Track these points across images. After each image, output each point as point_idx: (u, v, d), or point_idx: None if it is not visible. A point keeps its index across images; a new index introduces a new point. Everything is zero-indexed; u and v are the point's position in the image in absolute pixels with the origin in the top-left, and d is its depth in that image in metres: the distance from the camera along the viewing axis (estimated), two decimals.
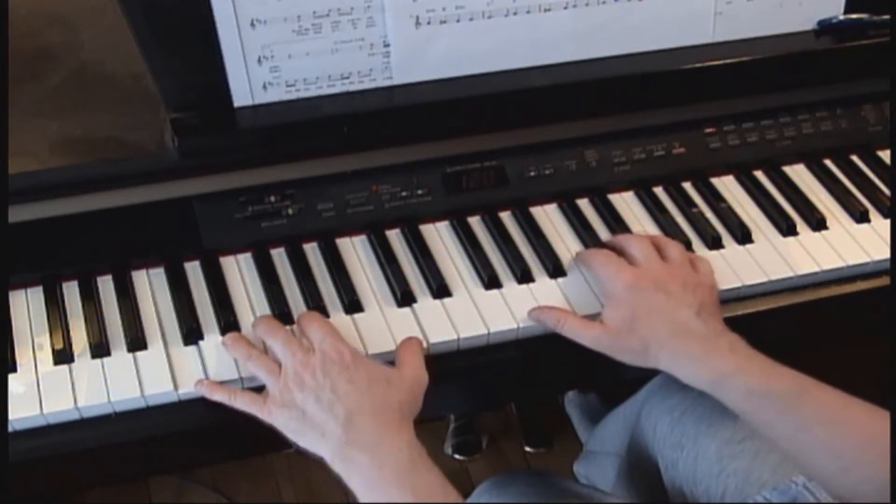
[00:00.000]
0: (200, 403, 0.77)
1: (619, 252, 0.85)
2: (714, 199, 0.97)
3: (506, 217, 0.94)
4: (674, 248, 0.85)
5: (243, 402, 0.75)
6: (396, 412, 0.73)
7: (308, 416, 0.72)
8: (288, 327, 0.79)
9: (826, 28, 0.99)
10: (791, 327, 0.93)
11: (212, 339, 0.80)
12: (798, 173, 1.01)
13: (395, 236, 0.91)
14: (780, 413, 0.73)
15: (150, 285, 0.85)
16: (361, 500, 0.71)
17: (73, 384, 0.76)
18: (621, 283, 0.80)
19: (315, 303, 0.83)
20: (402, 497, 0.69)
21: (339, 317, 0.83)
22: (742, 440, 0.86)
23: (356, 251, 0.89)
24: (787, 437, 0.73)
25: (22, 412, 0.74)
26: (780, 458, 0.83)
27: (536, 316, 0.83)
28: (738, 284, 0.87)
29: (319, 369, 0.73)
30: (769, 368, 0.75)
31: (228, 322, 0.81)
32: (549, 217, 0.94)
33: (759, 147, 1.00)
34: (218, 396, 0.76)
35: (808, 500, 0.77)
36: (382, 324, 0.82)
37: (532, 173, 0.94)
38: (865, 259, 0.91)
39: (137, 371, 0.77)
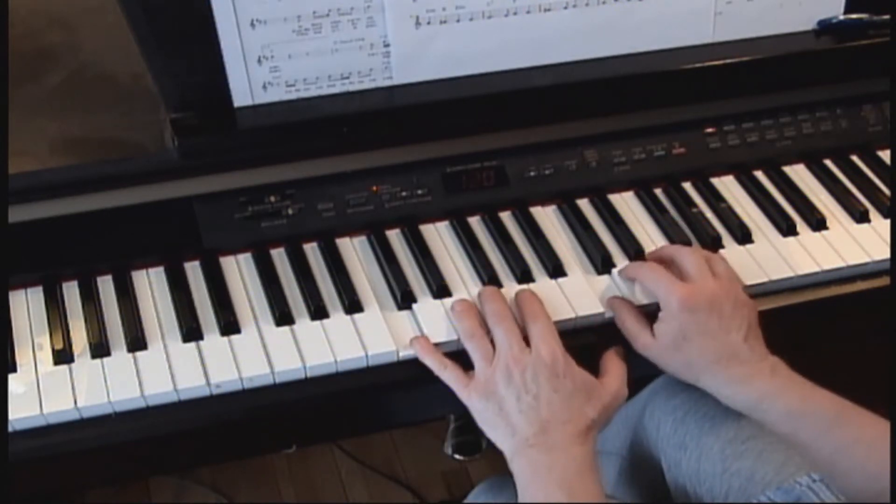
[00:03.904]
0: (200, 404, 0.77)
1: (668, 263, 0.84)
2: (714, 199, 0.97)
3: (506, 217, 0.94)
4: (720, 262, 0.84)
5: (449, 377, 0.78)
6: (586, 425, 0.75)
7: (504, 412, 0.75)
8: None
9: (826, 28, 0.99)
10: (791, 327, 0.93)
11: (211, 339, 0.80)
12: (798, 173, 1.01)
13: (395, 236, 0.91)
14: (819, 434, 0.73)
15: (150, 285, 0.85)
16: (521, 493, 0.73)
17: (73, 384, 0.76)
18: (676, 299, 0.79)
19: (315, 303, 0.83)
20: (558, 496, 0.71)
21: (339, 317, 0.83)
22: (746, 440, 0.85)
23: (356, 251, 0.89)
24: (825, 459, 0.73)
25: (22, 412, 0.74)
26: (785, 458, 0.82)
27: (611, 303, 0.84)
28: None
29: (530, 370, 0.75)
30: (808, 391, 0.75)
31: (228, 322, 0.81)
32: (549, 217, 0.94)
33: (759, 147, 1.00)
34: (428, 362, 0.79)
35: (811, 500, 0.76)
36: (382, 324, 0.82)
37: (532, 173, 0.94)
38: (865, 259, 0.91)
39: (137, 371, 0.77)
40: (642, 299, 0.85)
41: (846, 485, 0.73)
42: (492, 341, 0.78)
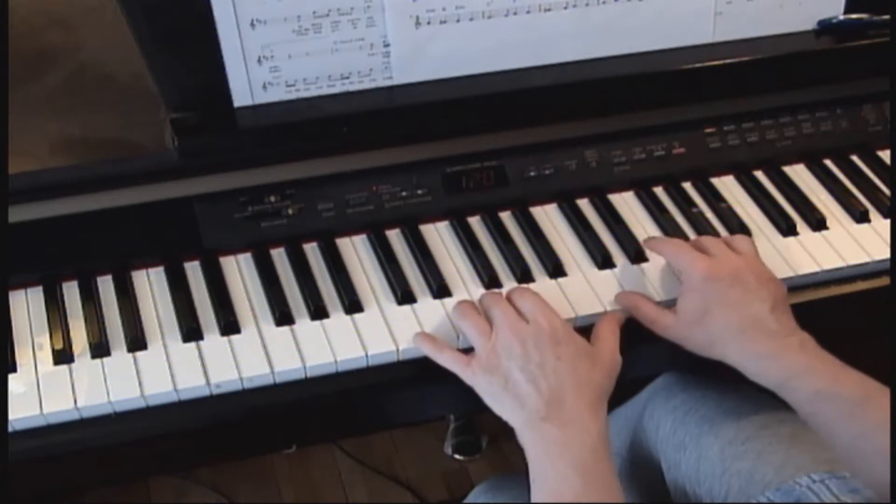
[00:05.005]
0: (200, 404, 0.77)
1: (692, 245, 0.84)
2: (714, 199, 0.97)
3: (506, 217, 0.94)
4: (743, 240, 0.84)
5: (447, 360, 0.77)
6: (596, 393, 0.74)
7: (511, 385, 0.73)
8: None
9: (826, 28, 0.99)
10: None
11: (211, 339, 0.80)
12: (798, 173, 1.01)
13: (395, 236, 0.91)
14: (844, 417, 0.72)
15: (150, 285, 0.85)
16: (533, 471, 0.71)
17: (72, 384, 0.76)
18: (697, 272, 0.78)
19: (315, 303, 0.83)
20: (573, 479, 0.69)
21: (339, 317, 0.83)
22: (745, 440, 0.85)
23: (356, 251, 0.89)
24: (846, 442, 0.72)
25: (22, 412, 0.74)
26: (784, 459, 0.82)
27: (620, 300, 0.84)
28: None
29: (531, 339, 0.74)
30: (838, 370, 0.74)
31: (228, 322, 0.81)
32: (549, 217, 0.94)
33: (759, 147, 1.00)
34: (425, 347, 0.79)
35: (811, 501, 0.76)
36: (382, 324, 0.82)
37: (532, 173, 0.94)
38: (865, 259, 0.91)
39: (137, 371, 0.77)
40: (654, 295, 0.85)
41: (866, 468, 0.72)
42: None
